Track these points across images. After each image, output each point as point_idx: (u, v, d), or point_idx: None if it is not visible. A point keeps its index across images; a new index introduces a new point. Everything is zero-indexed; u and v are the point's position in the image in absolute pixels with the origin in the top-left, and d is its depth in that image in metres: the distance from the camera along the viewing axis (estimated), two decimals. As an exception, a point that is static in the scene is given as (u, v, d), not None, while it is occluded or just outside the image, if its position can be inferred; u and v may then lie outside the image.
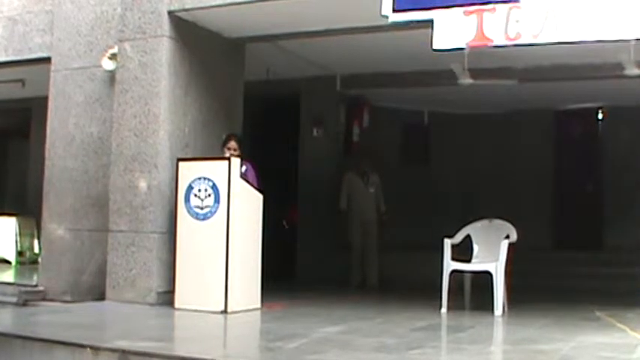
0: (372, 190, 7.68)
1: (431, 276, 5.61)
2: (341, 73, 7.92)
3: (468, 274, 5.73)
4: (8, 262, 8.71)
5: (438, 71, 6.84)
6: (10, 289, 6.26)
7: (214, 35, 5.92)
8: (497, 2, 4.44)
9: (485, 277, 5.35)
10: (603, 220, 8.81)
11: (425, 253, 6.44)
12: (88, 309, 5.37)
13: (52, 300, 6.01)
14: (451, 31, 4.52)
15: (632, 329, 4.66)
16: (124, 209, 5.49)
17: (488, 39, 4.46)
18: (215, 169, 5.16)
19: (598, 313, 5.37)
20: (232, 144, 5.56)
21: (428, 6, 4.60)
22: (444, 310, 5.38)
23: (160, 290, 5.35)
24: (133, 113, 5.55)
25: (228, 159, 5.20)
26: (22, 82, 8.36)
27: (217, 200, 5.11)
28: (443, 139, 9.42)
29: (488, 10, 4.45)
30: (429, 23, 4.56)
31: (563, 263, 7.62)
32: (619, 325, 4.87)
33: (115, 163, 5.60)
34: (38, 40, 6.87)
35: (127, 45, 5.64)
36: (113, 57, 5.92)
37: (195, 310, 5.03)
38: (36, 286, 6.33)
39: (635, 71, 6.12)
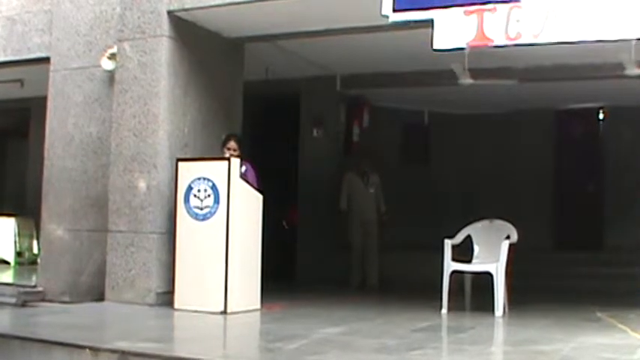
0: (372, 190, 7.68)
1: (431, 276, 5.61)
2: (341, 73, 7.92)
3: (469, 275, 5.73)
4: (7, 263, 8.70)
5: (439, 71, 6.84)
6: (9, 289, 6.25)
7: (214, 35, 5.92)
8: (497, 2, 4.44)
9: (486, 277, 5.35)
10: (604, 221, 8.81)
11: (425, 254, 6.43)
12: (87, 310, 5.36)
13: (51, 301, 6.01)
14: (451, 31, 4.51)
15: (633, 330, 4.66)
16: (123, 209, 5.49)
17: (488, 39, 4.46)
18: (215, 170, 5.16)
19: (599, 314, 5.36)
20: (232, 144, 5.56)
21: (428, 6, 4.60)
22: (444, 310, 5.38)
23: (160, 291, 5.34)
24: (133, 113, 5.54)
25: (228, 159, 5.20)
26: (20, 82, 8.36)
27: (217, 201, 5.11)
28: (443, 139, 9.42)
29: (488, 10, 4.45)
30: (429, 23, 4.56)
31: (563, 264, 7.62)
32: (620, 325, 4.86)
33: (115, 163, 5.59)
34: (37, 40, 6.87)
35: (126, 45, 5.64)
36: (112, 57, 5.91)
37: (195, 311, 5.03)
38: (35, 286, 6.33)
39: (635, 71, 6.11)
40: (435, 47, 4.57)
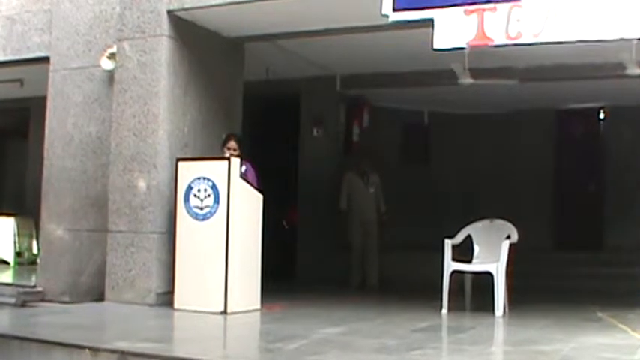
0: (372, 190, 7.68)
1: (431, 276, 5.61)
2: (341, 73, 7.92)
3: (469, 275, 5.73)
4: (7, 263, 8.71)
5: (439, 71, 6.84)
6: (9, 289, 6.26)
7: (213, 35, 5.92)
8: (497, 1, 4.44)
9: (486, 277, 5.35)
10: (604, 221, 8.81)
11: (425, 254, 6.44)
12: (87, 310, 5.37)
13: (50, 301, 6.01)
14: (452, 30, 4.52)
15: (633, 330, 4.66)
16: (123, 209, 5.49)
17: (488, 38, 4.46)
18: (215, 170, 5.16)
19: (599, 314, 5.37)
20: (232, 144, 5.56)
21: (428, 5, 4.60)
22: (444, 310, 5.38)
23: (160, 291, 5.35)
24: (132, 113, 5.55)
25: (228, 159, 5.20)
26: (20, 81, 8.36)
27: (217, 200, 5.11)
28: (443, 139, 9.42)
29: (488, 10, 4.45)
30: (430, 22, 4.56)
31: (564, 264, 7.62)
32: (620, 325, 4.87)
33: (114, 163, 5.60)
34: (37, 39, 6.87)
35: (125, 44, 5.64)
36: (112, 56, 5.92)
37: (195, 311, 5.03)
38: (34, 286, 6.33)
39: (636, 71, 6.11)
40: (435, 47, 4.57)
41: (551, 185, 9.15)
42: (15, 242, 8.78)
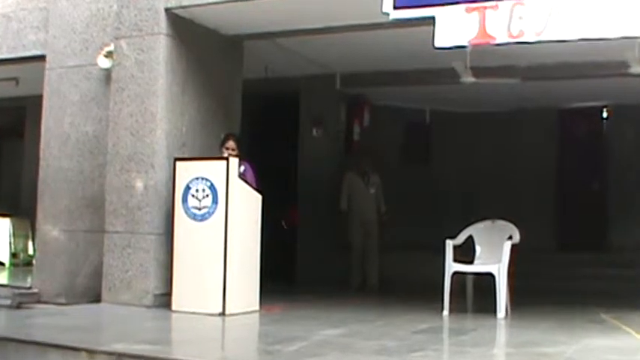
0: (372, 190, 7.69)
1: (432, 277, 5.62)
2: (341, 72, 7.92)
3: (470, 276, 5.73)
4: (2, 264, 8.71)
5: (440, 69, 6.85)
6: (4, 291, 6.24)
7: (212, 33, 5.92)
8: (499, -1, 4.44)
9: (488, 278, 5.36)
10: (608, 221, 8.81)
11: (426, 254, 6.44)
12: (83, 311, 5.36)
13: (46, 302, 6.00)
14: (453, 28, 4.52)
15: (637, 332, 4.66)
16: (120, 210, 5.49)
17: (490, 37, 4.46)
18: (213, 169, 5.16)
19: (603, 316, 5.37)
20: (230, 143, 5.56)
21: (429, 3, 4.60)
22: (445, 312, 5.39)
23: (157, 292, 5.35)
24: (130, 112, 5.55)
25: (227, 159, 5.20)
26: (16, 80, 8.35)
27: (215, 201, 5.11)
28: (444, 138, 9.43)
29: (490, 7, 4.45)
30: (431, 20, 4.56)
31: (566, 264, 7.63)
32: (624, 327, 4.87)
33: (111, 162, 5.60)
34: (32, 37, 6.86)
35: (123, 43, 5.64)
36: (109, 55, 5.91)
37: (193, 313, 5.03)
38: (30, 288, 6.33)
39: (640, 69, 6.12)
40: (436, 45, 4.57)
41: (553, 185, 9.15)
42: (10, 243, 8.78)
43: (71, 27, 6.35)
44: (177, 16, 5.57)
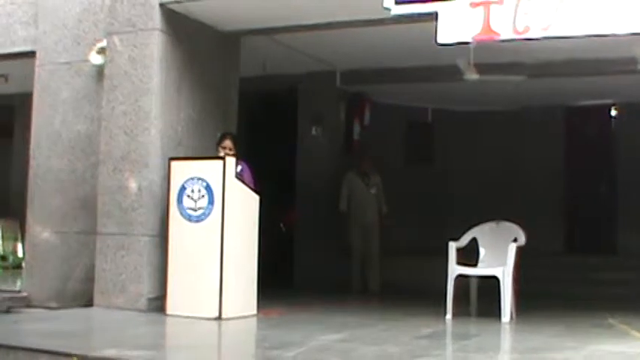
0: (373, 191, 7.71)
1: (435, 281, 5.63)
2: (341, 69, 7.94)
3: (474, 279, 5.75)
4: (-10, 267, 8.71)
5: (443, 66, 6.87)
6: (-7, 295, 6.26)
7: (208, 28, 5.93)
8: (504, -6, 4.45)
9: (493, 282, 5.37)
10: (616, 222, 8.83)
11: (429, 257, 6.46)
12: (75, 316, 5.37)
13: (36, 306, 6.02)
14: (456, 24, 4.53)
15: (646, 337, 4.68)
16: (113, 211, 5.50)
17: (495, 32, 4.47)
18: (209, 169, 5.18)
19: (611, 320, 5.38)
20: (227, 143, 5.58)
21: (432, -3, 4.62)
22: (448, 316, 5.40)
23: (151, 296, 5.36)
24: (123, 110, 5.56)
25: (223, 158, 5.22)
26: (4, 77, 8.36)
27: (211, 201, 5.12)
28: (447, 138, 9.45)
29: (495, 2, 4.46)
30: (433, 16, 4.58)
31: (573, 267, 7.65)
32: (634, 333, 4.88)
33: (104, 162, 5.61)
34: (22, 33, 6.86)
35: (116, 38, 5.65)
36: (101, 51, 5.93)
37: (188, 317, 5.04)
38: (20, 292, 6.34)
39: (649, 66, 6.15)
40: (439, 41, 4.58)
41: (560, 185, 9.17)
42: (-1, 245, 8.78)
43: (62, 22, 6.37)
44: (172, 11, 5.59)
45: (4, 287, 6.80)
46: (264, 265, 5.39)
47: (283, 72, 7.63)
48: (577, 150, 9.20)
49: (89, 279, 5.66)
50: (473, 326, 5.31)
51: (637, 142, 8.76)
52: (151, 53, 5.50)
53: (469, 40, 4.57)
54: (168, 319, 5.09)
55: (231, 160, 5.22)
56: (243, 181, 5.35)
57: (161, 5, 5.52)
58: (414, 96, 8.73)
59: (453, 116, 9.21)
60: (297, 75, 7.83)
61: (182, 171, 5.27)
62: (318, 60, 7.46)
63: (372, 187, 7.72)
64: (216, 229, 5.08)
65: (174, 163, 5.34)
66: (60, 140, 6.27)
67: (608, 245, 8.65)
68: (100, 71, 5.97)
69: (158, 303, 5.30)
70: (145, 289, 5.36)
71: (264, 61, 7.18)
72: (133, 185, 5.44)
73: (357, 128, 8.35)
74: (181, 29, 5.68)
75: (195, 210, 5.18)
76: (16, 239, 8.84)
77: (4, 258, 8.79)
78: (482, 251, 5.80)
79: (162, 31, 5.54)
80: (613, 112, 9.19)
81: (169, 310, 5.19)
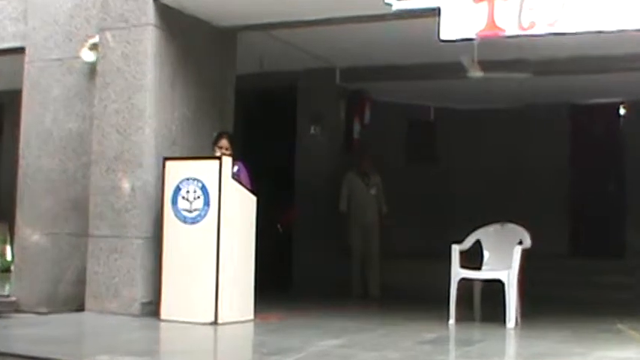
0: (373, 191, 7.72)
1: (438, 284, 5.64)
2: (340, 66, 7.94)
3: (478, 283, 5.76)
4: (-22, 271, 8.69)
5: (446, 64, 6.87)
6: (-20, 300, 6.26)
7: (203, 24, 5.93)
8: (509, -11, 4.46)
9: (497, 286, 5.38)
10: (624, 224, 8.84)
11: (431, 259, 6.46)
12: (66, 321, 5.37)
13: (25, 311, 6.01)
14: (460, 20, 4.54)
15: (655, 342, 4.69)
16: (105, 212, 5.50)
17: (499, 29, 4.48)
18: (205, 169, 5.18)
19: (619, 326, 5.39)
20: (223, 142, 5.58)
21: (435, -7, 4.62)
22: (452, 321, 5.41)
23: (145, 300, 5.36)
24: (116, 109, 5.56)
25: (219, 158, 5.22)
26: (-7, 73, 8.35)
27: (207, 203, 5.13)
28: (450, 137, 9.45)
29: (500, -3, 4.47)
30: (436, 11, 4.58)
31: (580, 271, 7.65)
32: (642, 338, 4.90)
33: (96, 162, 5.61)
34: (11, 29, 6.86)
35: (108, 34, 5.65)
36: (93, 47, 5.93)
37: (183, 322, 5.04)
38: (8, 296, 6.33)
39: (659, 63, 6.15)
40: (442, 38, 4.59)
41: (566, 186, 9.18)
42: (-13, 248, 8.77)
43: (53, 18, 6.37)
44: (166, 6, 5.59)
45: (-8, 291, 6.80)
46: (261, 267, 5.39)
47: (281, 69, 7.63)
48: (584, 149, 9.20)
49: (81, 283, 5.66)
50: (476, 331, 5.32)
51: (646, 141, 8.77)
52: (144, 49, 5.51)
53: (473, 36, 4.58)
54: (163, 324, 5.09)
55: (227, 160, 5.22)
56: (239, 182, 5.36)
57: (155, 0, 5.52)
58: (415, 94, 8.74)
59: (456, 115, 9.22)
60: (295, 72, 7.84)
61: (177, 171, 5.27)
62: (316, 57, 7.47)
63: (372, 188, 7.74)
64: (212, 231, 5.08)
65: (168, 163, 5.34)
66: (51, 139, 6.27)
67: (615, 247, 8.65)
68: (92, 68, 5.97)
69: (152, 307, 5.30)
70: (139, 293, 5.35)
71: (262, 58, 7.18)
72: (126, 186, 5.44)
73: (357, 127, 8.35)
74: (175, 25, 5.68)
75: (190, 211, 5.18)
76: (4, 241, 8.83)
77: (-8, 261, 8.78)
78: (486, 254, 5.81)
79: (155, 26, 5.54)
80: (621, 111, 9.19)
81: (164, 314, 5.19)
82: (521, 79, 7.39)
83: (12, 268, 6.66)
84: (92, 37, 5.99)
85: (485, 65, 6.48)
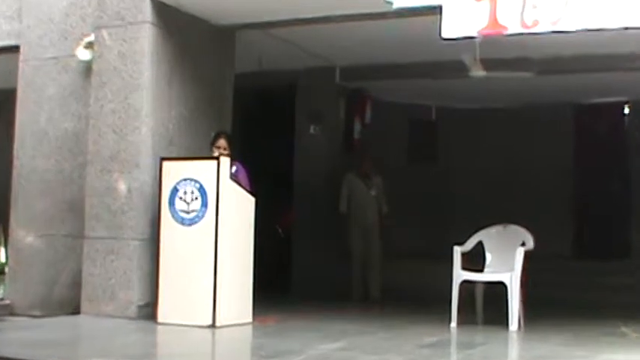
0: (373, 192, 7.72)
1: (439, 287, 5.64)
2: (340, 64, 7.94)
3: (480, 285, 5.76)
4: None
5: (447, 62, 6.88)
6: (-26, 303, 6.26)
7: (201, 22, 5.94)
8: (512, -14, 4.46)
9: (499, 288, 5.38)
10: (630, 224, 8.85)
11: (432, 262, 6.47)
12: (61, 324, 5.38)
13: (20, 315, 6.01)
14: (461, 18, 4.54)
15: (660, 346, 4.70)
16: (101, 214, 5.51)
17: (502, 26, 4.48)
18: (202, 170, 5.18)
19: (624, 329, 5.39)
20: (221, 142, 5.58)
21: (436, -10, 4.63)
22: (453, 324, 5.42)
23: (141, 303, 5.36)
24: (112, 108, 5.57)
25: (217, 158, 5.23)
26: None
27: (205, 204, 5.13)
28: (451, 137, 9.46)
29: (502, -5, 4.47)
30: (437, 9, 4.59)
31: (584, 273, 7.65)
32: (646, 341, 4.90)
33: (92, 162, 5.61)
34: (6, 27, 6.87)
35: (104, 32, 5.66)
36: (89, 46, 5.93)
37: (180, 325, 5.05)
38: (2, 299, 6.34)
39: (664, 62, 6.16)
40: (443, 36, 4.59)
41: (570, 187, 9.19)
42: (-20, 250, 8.76)
43: (47, 16, 6.37)
44: (163, 3, 5.59)
45: (-15, 294, 6.80)
46: (260, 270, 5.39)
47: (280, 68, 7.63)
48: (588, 149, 9.21)
49: (76, 285, 5.66)
50: (479, 335, 5.33)
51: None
52: (141, 48, 5.51)
53: (475, 34, 4.58)
54: (160, 327, 5.10)
55: (225, 161, 5.22)
56: (238, 183, 5.36)
57: (151, -3, 5.53)
58: (416, 93, 8.74)
59: (458, 114, 9.23)
60: (294, 71, 7.84)
61: (174, 172, 5.27)
62: (316, 55, 7.47)
63: (373, 189, 7.74)
64: (209, 233, 5.08)
65: (165, 164, 5.34)
66: (46, 139, 6.28)
67: (620, 248, 8.66)
68: (87, 67, 5.98)
69: (149, 310, 5.30)
70: (135, 295, 5.36)
71: (260, 57, 7.18)
72: (122, 187, 5.45)
73: (357, 127, 8.35)
74: (172, 22, 5.69)
75: (187, 212, 5.19)
76: (-2, 243, 8.83)
77: (-15, 263, 8.77)
78: (488, 256, 5.81)
79: (152, 24, 5.54)
80: (626, 110, 9.20)
81: (160, 317, 5.19)
82: (523, 78, 7.39)
83: (6, 270, 6.66)
84: (88, 35, 5.99)
85: (488, 64, 6.49)
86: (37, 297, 6.14)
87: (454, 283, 5.45)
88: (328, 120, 8.16)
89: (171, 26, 5.67)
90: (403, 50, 7.04)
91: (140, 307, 5.35)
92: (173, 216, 5.24)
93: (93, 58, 5.80)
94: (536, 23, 4.41)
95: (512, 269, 5.39)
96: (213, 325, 5.02)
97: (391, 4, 4.75)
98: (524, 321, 5.44)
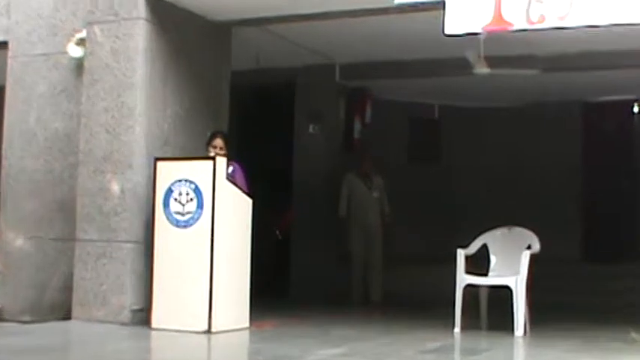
0: (375, 194, 7.74)
1: (443, 291, 5.66)
2: (340, 62, 7.96)
3: (485, 289, 5.77)
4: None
5: (450, 60, 6.90)
6: (-40, 307, 6.26)
7: (197, 18, 5.95)
8: (517, -19, 4.48)
9: (504, 292, 5.40)
10: (639, 227, 8.86)
11: (435, 265, 6.48)
12: (51, 330, 5.38)
13: (9, 320, 6.00)
14: (465, 13, 4.56)
15: (670, 352, 4.71)
16: (93, 215, 5.51)
17: (507, 23, 4.50)
18: (198, 170, 5.20)
19: (634, 335, 5.41)
20: (218, 142, 5.60)
21: (439, -15, 4.64)
22: (457, 329, 5.43)
23: (135, 307, 5.37)
24: (105, 107, 5.57)
25: (213, 159, 5.24)
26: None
27: (200, 205, 5.14)
28: (455, 136, 9.48)
29: (507, -10, 4.49)
30: (440, 5, 4.61)
31: (592, 276, 7.68)
32: (656, 347, 4.92)
33: (84, 163, 5.62)
34: (-7, 22, 6.88)
35: (96, 28, 5.67)
36: (81, 42, 5.93)
37: (175, 330, 5.06)
38: (-10, 304, 6.34)
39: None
40: (446, 32, 4.61)
41: (577, 187, 9.22)
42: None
43: (36, 11, 6.36)
44: (157, -1, 5.61)
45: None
46: (257, 273, 5.41)
47: (278, 65, 7.65)
48: (595, 148, 9.24)
49: (67, 289, 5.66)
50: (483, 340, 5.34)
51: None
52: (135, 45, 5.52)
53: (479, 30, 4.59)
54: (154, 333, 5.11)
55: (221, 161, 5.24)
56: (234, 183, 5.38)
57: (146, -8, 5.54)
58: (418, 91, 8.76)
59: (462, 113, 9.25)
60: (293, 68, 7.85)
61: (169, 172, 5.28)
62: (315, 52, 7.48)
63: (375, 190, 7.75)
64: (205, 235, 5.09)
65: (160, 164, 5.35)
66: (35, 139, 6.27)
67: (629, 251, 8.68)
68: (79, 64, 5.98)
69: (142, 315, 5.31)
70: (128, 300, 5.37)
71: (258, 54, 7.20)
72: (115, 188, 5.45)
73: (357, 126, 8.37)
74: (167, 18, 5.69)
75: (182, 214, 5.20)
76: (-14, 246, 8.82)
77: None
78: (493, 259, 5.83)
79: (147, 20, 5.55)
80: (635, 108, 9.23)
81: (155, 323, 5.20)
82: (528, 75, 7.42)
83: (-5, 274, 6.66)
84: (79, 31, 5.98)
85: (492, 61, 6.51)
86: (27, 302, 6.13)
87: (458, 287, 5.47)
88: (328, 119, 8.18)
89: (166, 22, 5.68)
90: (405, 47, 7.06)
91: (133, 312, 5.35)
92: (168, 218, 5.25)
93: (84, 55, 5.80)
94: (542, 19, 4.42)
95: (517, 273, 5.40)
96: (209, 331, 5.03)
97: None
98: (530, 326, 5.45)
